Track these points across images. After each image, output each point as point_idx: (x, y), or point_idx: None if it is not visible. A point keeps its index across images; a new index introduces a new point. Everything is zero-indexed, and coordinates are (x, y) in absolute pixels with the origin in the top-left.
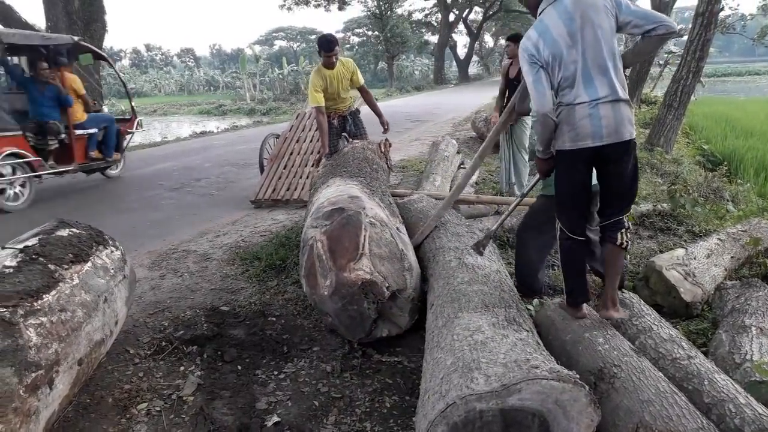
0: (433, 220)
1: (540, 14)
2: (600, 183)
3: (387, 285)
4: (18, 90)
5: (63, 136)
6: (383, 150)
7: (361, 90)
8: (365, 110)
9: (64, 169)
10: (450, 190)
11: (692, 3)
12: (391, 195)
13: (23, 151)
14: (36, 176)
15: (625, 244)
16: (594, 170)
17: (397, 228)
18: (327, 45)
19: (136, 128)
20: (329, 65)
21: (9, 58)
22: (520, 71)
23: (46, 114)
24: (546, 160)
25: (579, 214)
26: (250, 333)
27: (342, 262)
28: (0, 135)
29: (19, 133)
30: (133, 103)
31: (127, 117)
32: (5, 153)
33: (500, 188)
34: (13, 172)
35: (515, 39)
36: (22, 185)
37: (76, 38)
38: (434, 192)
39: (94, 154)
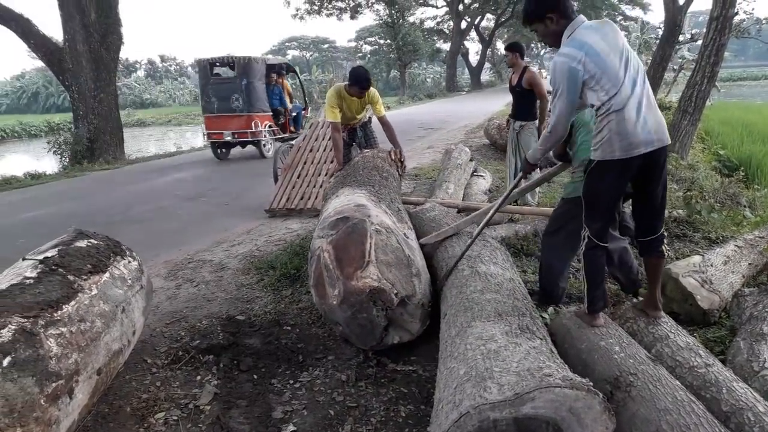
0: (452, 229)
1: (570, 36)
2: (641, 195)
3: (395, 292)
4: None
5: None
6: (394, 157)
7: (382, 121)
8: (374, 119)
9: (284, 136)
10: (463, 198)
11: (707, 7)
12: (404, 203)
13: (272, 124)
14: (277, 139)
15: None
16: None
17: (405, 234)
18: (365, 83)
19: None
20: (358, 96)
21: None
22: (520, 78)
23: (276, 104)
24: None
25: (610, 222)
26: (265, 342)
27: (349, 271)
28: (264, 115)
29: (270, 113)
30: (306, 98)
31: (303, 107)
32: (267, 125)
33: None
34: (268, 136)
35: (514, 48)
36: (270, 144)
37: (287, 60)
38: (447, 200)
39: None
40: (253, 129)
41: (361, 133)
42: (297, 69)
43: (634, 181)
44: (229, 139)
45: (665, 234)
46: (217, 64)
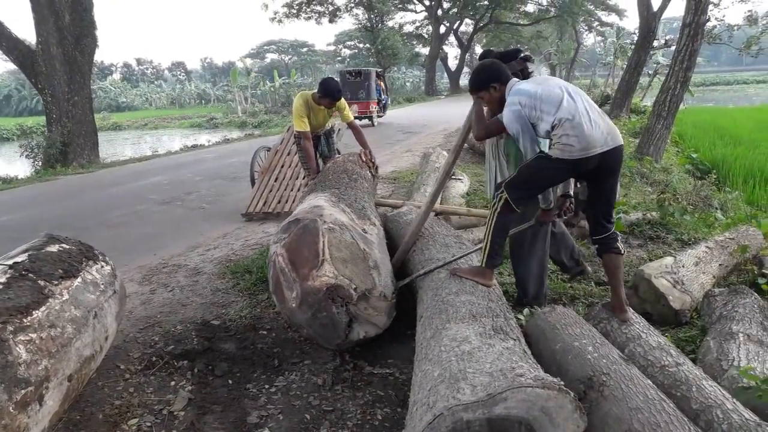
0: (411, 237)
1: (509, 93)
2: (595, 195)
3: (354, 286)
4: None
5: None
6: (364, 159)
7: (351, 125)
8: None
9: (381, 113)
10: (441, 201)
11: (680, 14)
12: (381, 205)
13: (376, 106)
14: (376, 115)
15: (624, 250)
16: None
17: (363, 230)
18: (336, 95)
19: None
20: (324, 105)
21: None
22: None
23: (378, 95)
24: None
25: (532, 198)
26: (241, 347)
27: (304, 272)
28: (374, 101)
29: (376, 101)
30: (389, 92)
31: (388, 98)
32: (374, 107)
33: (489, 198)
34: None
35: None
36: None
37: (380, 70)
38: (421, 203)
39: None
40: (370, 109)
41: (324, 141)
42: (383, 75)
43: (590, 180)
44: (356, 114)
45: (617, 232)
46: (351, 73)
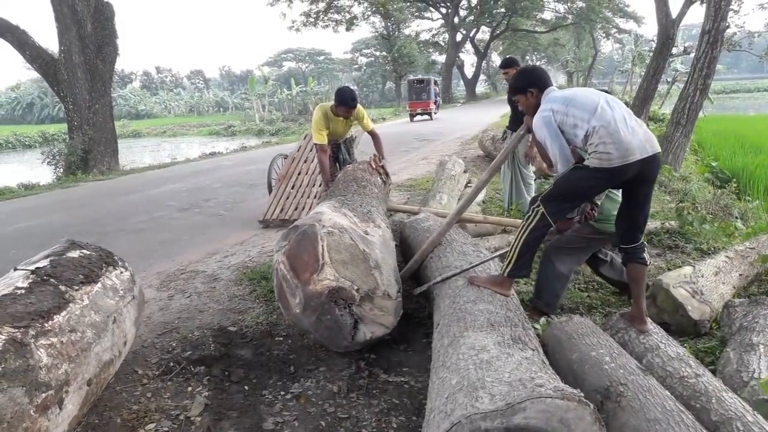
0: (429, 245)
1: (547, 95)
2: (630, 203)
3: (356, 287)
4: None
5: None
6: (374, 165)
7: (371, 134)
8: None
9: (437, 111)
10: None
11: (699, 21)
12: (397, 210)
13: (434, 106)
14: (434, 112)
15: (649, 261)
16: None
17: (365, 231)
18: (351, 102)
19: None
20: (345, 116)
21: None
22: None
23: (435, 97)
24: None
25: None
26: (257, 353)
27: (305, 277)
28: (432, 101)
29: (433, 101)
30: (440, 93)
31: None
32: (432, 106)
33: (504, 207)
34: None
35: (509, 65)
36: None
37: (436, 78)
38: (440, 210)
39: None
40: (429, 108)
41: (345, 150)
42: (435, 80)
43: (626, 189)
44: (419, 110)
45: (645, 243)
46: (416, 80)
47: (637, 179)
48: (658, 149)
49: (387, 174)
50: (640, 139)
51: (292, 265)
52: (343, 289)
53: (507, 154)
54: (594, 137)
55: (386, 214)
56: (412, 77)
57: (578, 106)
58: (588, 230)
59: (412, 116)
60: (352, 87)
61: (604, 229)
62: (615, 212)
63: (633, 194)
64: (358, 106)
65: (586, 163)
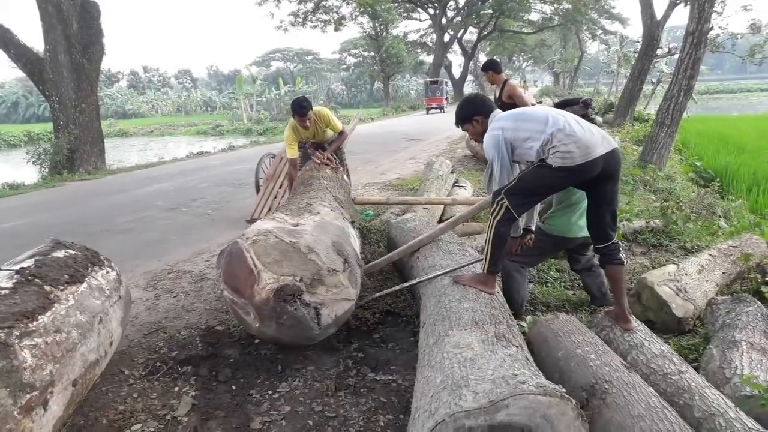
0: (416, 243)
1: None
2: (597, 202)
3: (298, 278)
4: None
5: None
6: (319, 161)
7: (338, 136)
8: (358, 129)
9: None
10: (444, 208)
11: (683, 22)
12: (366, 203)
13: (444, 101)
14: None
15: (625, 260)
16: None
17: (296, 224)
18: (300, 110)
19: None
20: (304, 126)
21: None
22: (501, 92)
23: (445, 95)
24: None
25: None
26: (244, 352)
27: (248, 292)
28: (443, 97)
29: (444, 97)
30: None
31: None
32: (444, 101)
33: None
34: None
35: (487, 68)
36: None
37: (446, 80)
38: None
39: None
40: (442, 103)
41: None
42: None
43: (591, 189)
44: (434, 105)
45: (619, 242)
46: (431, 81)
47: (600, 176)
48: (615, 145)
49: (335, 162)
50: (596, 136)
51: (233, 287)
52: (287, 285)
53: (474, 213)
54: (553, 141)
55: (343, 198)
56: (428, 79)
57: (529, 120)
58: (537, 236)
59: (428, 110)
60: (305, 97)
61: (552, 232)
62: (567, 218)
63: (599, 193)
64: (323, 110)
65: (549, 161)
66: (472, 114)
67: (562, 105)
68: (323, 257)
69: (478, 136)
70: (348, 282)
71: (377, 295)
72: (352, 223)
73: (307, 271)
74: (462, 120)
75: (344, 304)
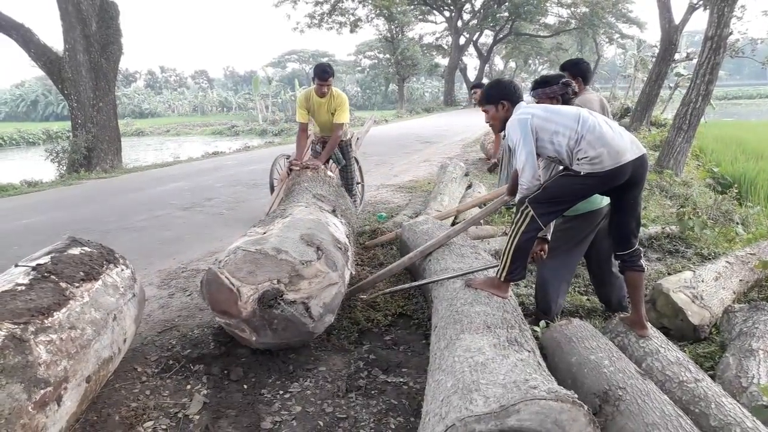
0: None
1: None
2: (621, 208)
3: (275, 280)
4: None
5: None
6: (298, 168)
7: (335, 127)
8: (372, 131)
9: None
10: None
11: (702, 27)
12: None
13: None
14: None
15: (645, 267)
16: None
17: (264, 233)
18: (321, 74)
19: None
20: (320, 94)
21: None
22: None
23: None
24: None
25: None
26: (256, 352)
27: (235, 310)
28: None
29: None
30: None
31: None
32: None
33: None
34: None
35: (479, 86)
36: None
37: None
38: (445, 210)
39: None
40: None
41: (339, 151)
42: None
43: (615, 194)
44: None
45: (641, 249)
46: (476, 85)
47: (628, 183)
48: (644, 150)
49: (312, 165)
50: (626, 140)
51: (221, 311)
52: (267, 291)
53: (489, 214)
54: (582, 143)
55: (326, 192)
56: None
57: (560, 114)
58: (565, 225)
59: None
60: (328, 62)
61: (577, 212)
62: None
63: (623, 199)
64: (342, 96)
65: (576, 169)
66: (501, 97)
67: (541, 83)
68: (293, 253)
69: (498, 122)
70: (326, 267)
71: (387, 291)
72: (333, 211)
73: (283, 272)
74: (488, 99)
75: (331, 290)
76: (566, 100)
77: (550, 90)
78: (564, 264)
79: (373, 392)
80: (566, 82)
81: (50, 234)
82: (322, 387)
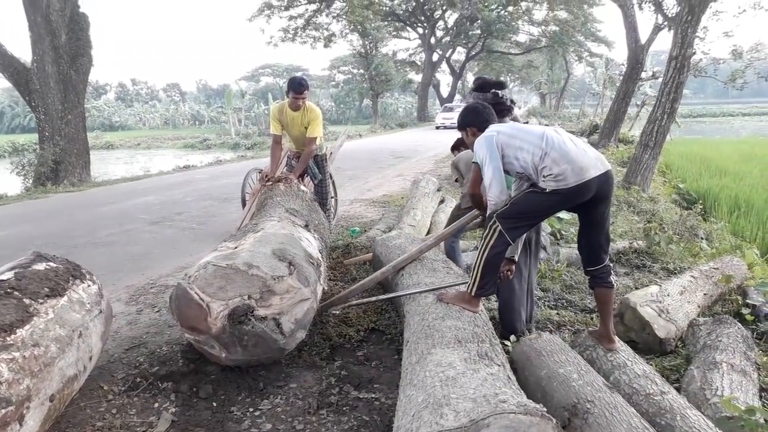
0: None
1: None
2: (589, 224)
3: (246, 296)
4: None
5: None
6: (270, 183)
7: (308, 142)
8: (346, 146)
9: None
10: (431, 225)
11: (667, 47)
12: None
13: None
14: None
15: (615, 284)
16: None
17: (234, 247)
18: (297, 87)
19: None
20: (294, 107)
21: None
22: None
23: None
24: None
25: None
26: (226, 369)
27: (204, 326)
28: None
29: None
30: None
31: None
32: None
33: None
34: None
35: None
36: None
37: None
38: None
39: None
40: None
41: (312, 163)
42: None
43: (582, 210)
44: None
45: (611, 265)
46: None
47: (594, 199)
48: (609, 167)
49: (286, 180)
50: (591, 157)
51: (189, 327)
52: (237, 307)
53: (455, 230)
54: (546, 160)
55: (299, 207)
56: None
57: (525, 131)
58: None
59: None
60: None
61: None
62: None
63: (591, 215)
64: (316, 110)
65: (542, 185)
66: (467, 124)
67: (476, 88)
68: (264, 268)
69: (471, 146)
70: (299, 283)
71: (357, 302)
72: (306, 226)
73: (254, 287)
74: (459, 126)
75: (302, 305)
76: (499, 111)
77: (483, 96)
78: (518, 280)
79: (344, 409)
80: (495, 93)
81: (15, 249)
82: (293, 404)
